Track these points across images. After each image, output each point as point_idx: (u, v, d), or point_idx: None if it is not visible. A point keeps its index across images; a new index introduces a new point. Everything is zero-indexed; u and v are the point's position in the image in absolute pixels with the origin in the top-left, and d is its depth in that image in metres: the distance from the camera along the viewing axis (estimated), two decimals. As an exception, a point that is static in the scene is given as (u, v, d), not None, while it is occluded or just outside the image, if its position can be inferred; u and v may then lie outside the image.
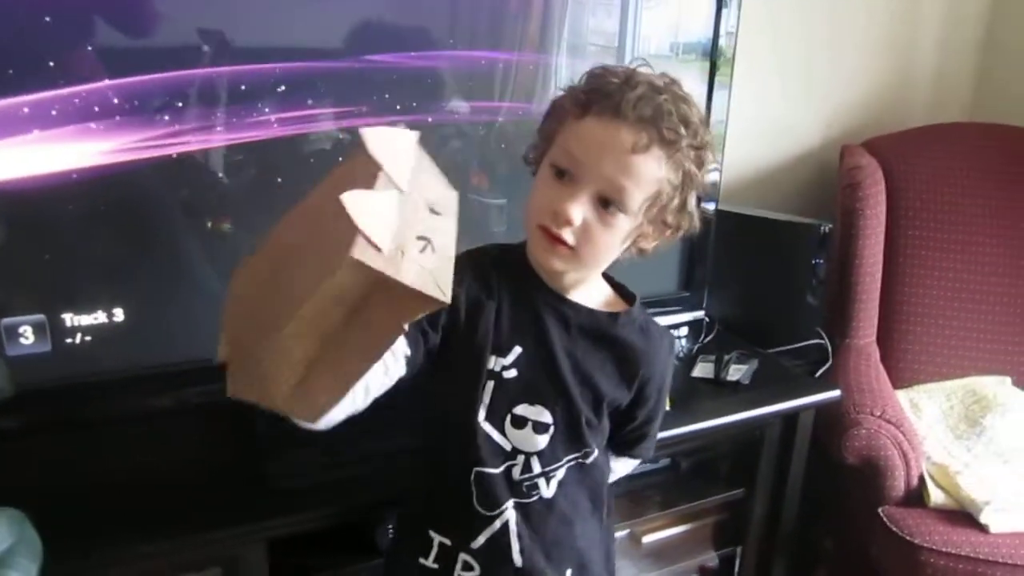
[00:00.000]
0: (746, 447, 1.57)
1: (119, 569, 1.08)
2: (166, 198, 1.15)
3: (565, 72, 1.36)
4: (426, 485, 0.99)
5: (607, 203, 0.86)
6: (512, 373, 0.91)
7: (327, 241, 0.65)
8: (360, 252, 0.61)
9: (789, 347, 1.74)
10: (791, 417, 1.52)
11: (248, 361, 0.70)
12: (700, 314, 1.61)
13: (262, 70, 1.13)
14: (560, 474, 0.95)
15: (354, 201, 0.63)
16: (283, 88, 1.15)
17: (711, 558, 1.65)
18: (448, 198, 0.74)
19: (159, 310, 1.17)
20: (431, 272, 0.65)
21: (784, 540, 1.62)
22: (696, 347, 1.66)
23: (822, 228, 1.72)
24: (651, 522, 1.58)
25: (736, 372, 1.53)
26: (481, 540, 0.94)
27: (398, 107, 1.23)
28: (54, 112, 1.03)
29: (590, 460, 0.97)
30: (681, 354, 1.63)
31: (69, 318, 1.11)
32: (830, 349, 1.77)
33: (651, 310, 1.52)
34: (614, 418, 0.99)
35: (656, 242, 0.93)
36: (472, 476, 0.92)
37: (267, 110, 1.14)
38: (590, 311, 0.96)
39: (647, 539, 1.60)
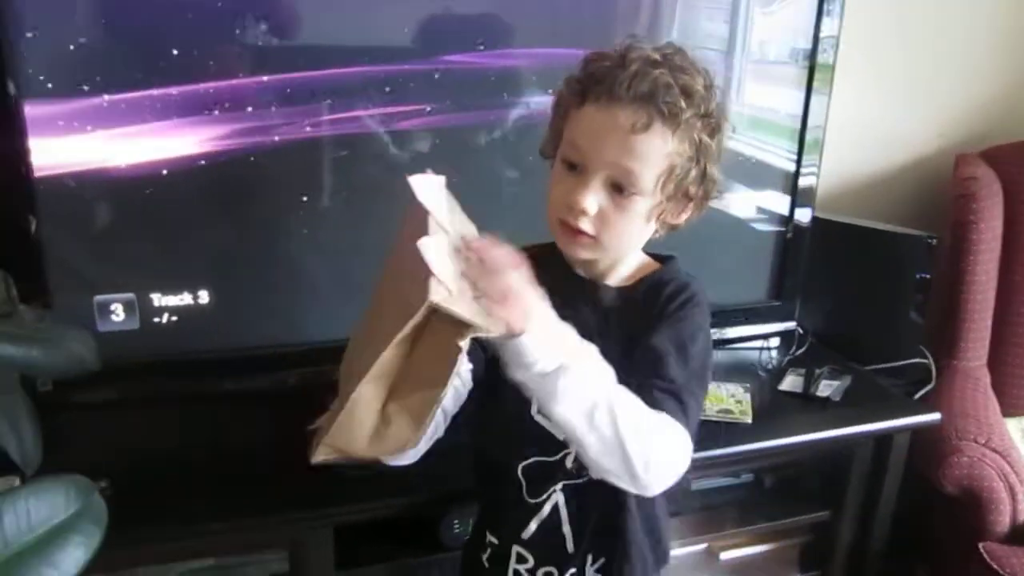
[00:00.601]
0: (835, 468, 1.49)
1: (189, 543, 1.11)
2: (257, 188, 1.18)
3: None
4: (480, 483, 0.98)
5: (620, 187, 0.83)
6: None
7: (402, 289, 0.75)
8: (435, 294, 0.69)
9: (888, 365, 1.65)
10: (884, 439, 1.43)
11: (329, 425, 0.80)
12: (791, 325, 1.54)
13: (367, 71, 1.16)
14: None
15: (426, 247, 0.72)
16: (388, 89, 1.17)
17: (793, 581, 1.58)
18: (473, 232, 0.81)
19: (243, 295, 1.21)
20: (480, 302, 0.73)
21: (871, 568, 1.53)
22: (786, 359, 1.59)
23: (929, 240, 1.62)
24: (730, 538, 1.52)
25: (827, 388, 1.46)
26: (532, 527, 0.93)
27: (503, 105, 1.25)
28: (162, 105, 1.09)
29: None
30: (770, 366, 1.57)
31: (157, 298, 1.15)
32: (934, 370, 1.66)
33: (739, 320, 1.51)
34: None
35: (685, 214, 0.90)
36: (521, 468, 0.92)
37: (362, 107, 1.17)
38: (621, 288, 0.93)
39: (725, 556, 1.54)
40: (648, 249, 0.95)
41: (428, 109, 1.20)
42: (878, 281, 1.66)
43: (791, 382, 1.50)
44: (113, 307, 1.14)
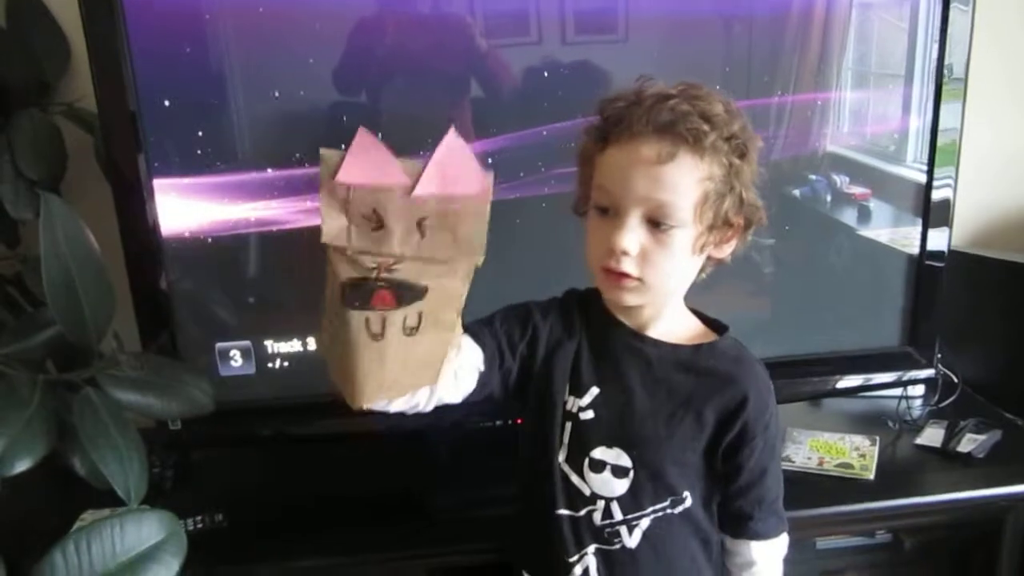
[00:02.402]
0: (984, 534, 1.33)
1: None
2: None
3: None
4: (519, 526, 0.98)
5: (658, 223, 0.81)
6: (589, 415, 0.89)
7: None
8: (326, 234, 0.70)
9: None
10: (1040, 503, 1.27)
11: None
12: (929, 373, 1.40)
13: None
14: (644, 524, 0.90)
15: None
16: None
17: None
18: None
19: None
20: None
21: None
22: (927, 410, 1.45)
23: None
24: (865, 604, 1.41)
25: (970, 442, 1.32)
26: None
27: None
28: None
29: (680, 510, 0.90)
30: (907, 418, 1.44)
31: (271, 345, 1.25)
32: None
33: (867, 367, 1.39)
34: (718, 469, 0.91)
35: (729, 246, 0.87)
36: (554, 520, 0.90)
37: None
38: (673, 346, 0.91)
39: (859, 623, 1.42)
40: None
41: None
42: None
43: (930, 435, 1.37)
44: (232, 353, 1.25)
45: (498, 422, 1.28)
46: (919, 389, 1.51)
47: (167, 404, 1.07)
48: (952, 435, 1.34)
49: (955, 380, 1.50)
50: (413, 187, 0.67)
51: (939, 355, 1.41)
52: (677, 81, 0.84)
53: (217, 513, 1.21)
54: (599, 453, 0.89)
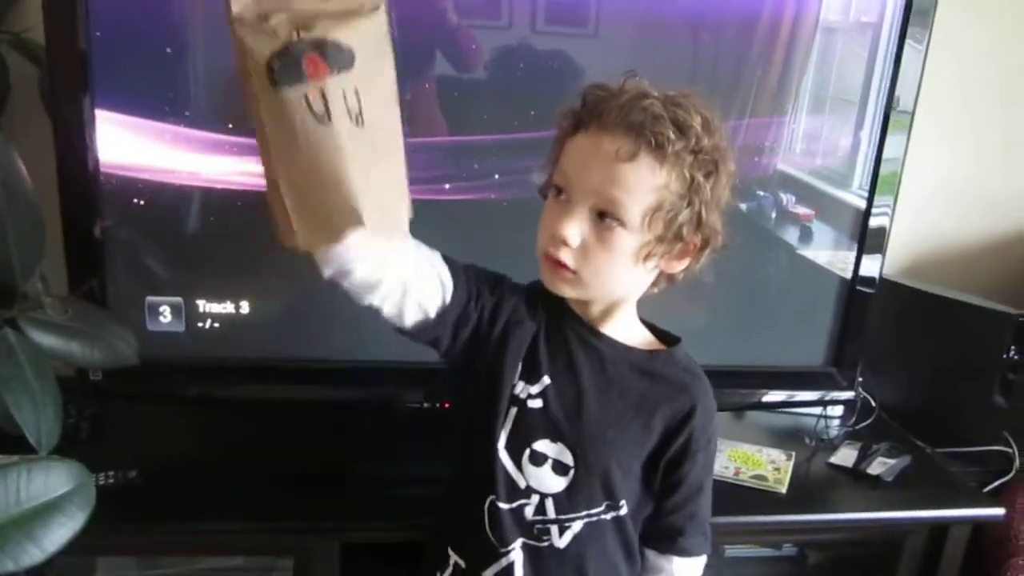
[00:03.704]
0: (885, 554, 1.38)
1: (202, 539, 1.17)
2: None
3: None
4: (449, 503, 0.97)
5: (603, 216, 0.81)
6: (537, 403, 0.88)
7: None
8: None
9: (965, 449, 1.52)
10: (938, 529, 1.32)
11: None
12: (849, 395, 1.45)
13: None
14: (576, 526, 0.89)
15: None
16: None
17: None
18: None
19: (284, 309, 1.26)
20: None
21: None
22: (843, 431, 1.50)
23: (1020, 318, 1.48)
24: (765, 614, 1.45)
25: (880, 465, 1.36)
26: (489, 573, 0.90)
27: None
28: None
29: (613, 516, 0.90)
30: (824, 436, 1.48)
31: (203, 304, 1.23)
32: (1017, 460, 1.52)
33: (789, 384, 1.43)
34: (655, 481, 0.92)
35: (680, 263, 0.87)
36: (487, 504, 0.89)
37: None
38: (627, 347, 0.91)
39: (757, 632, 1.46)
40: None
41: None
42: (960, 358, 1.54)
43: (843, 455, 1.41)
44: (162, 308, 1.22)
45: (425, 404, 1.28)
46: (838, 409, 1.56)
47: (89, 353, 1.03)
48: (864, 457, 1.39)
49: (872, 404, 1.55)
50: None
51: (860, 379, 1.46)
52: (669, 87, 0.83)
53: (131, 470, 1.18)
54: (541, 445, 0.88)
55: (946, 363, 1.55)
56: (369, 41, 0.72)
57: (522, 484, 0.88)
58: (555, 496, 0.89)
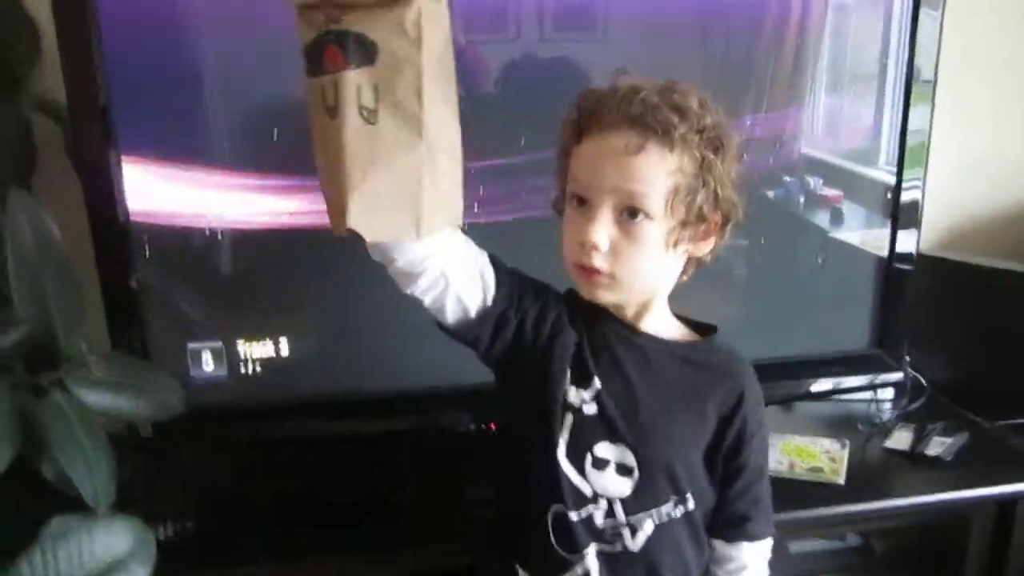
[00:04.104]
0: (953, 536, 1.35)
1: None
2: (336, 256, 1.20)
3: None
4: (509, 519, 0.96)
5: (632, 213, 0.82)
6: (592, 408, 0.87)
7: None
8: None
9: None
10: (1006, 505, 1.29)
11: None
12: (898, 376, 1.42)
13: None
14: (648, 527, 0.89)
15: None
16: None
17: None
18: None
19: (323, 345, 1.27)
20: None
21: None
22: (895, 413, 1.47)
23: (1064, 281, 1.45)
24: (836, 606, 1.42)
25: (938, 445, 1.34)
26: None
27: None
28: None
29: (682, 512, 0.90)
30: (876, 421, 1.45)
31: (243, 346, 1.24)
32: (1078, 425, 1.48)
33: (835, 371, 1.41)
34: (717, 471, 0.92)
35: (707, 243, 0.88)
36: (551, 515, 0.88)
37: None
38: (668, 341, 0.92)
39: (830, 625, 1.44)
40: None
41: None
42: (1007, 326, 1.50)
43: (898, 439, 1.38)
44: (204, 355, 1.23)
45: (471, 427, 1.28)
46: (888, 393, 1.53)
47: (136, 405, 1.05)
48: (920, 438, 1.36)
49: (923, 383, 1.52)
50: None
51: (907, 358, 1.43)
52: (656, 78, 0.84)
53: (188, 521, 1.19)
54: (602, 449, 0.88)
55: (993, 333, 1.52)
56: (398, 33, 0.71)
57: (588, 492, 0.88)
58: (623, 500, 0.88)
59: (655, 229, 0.83)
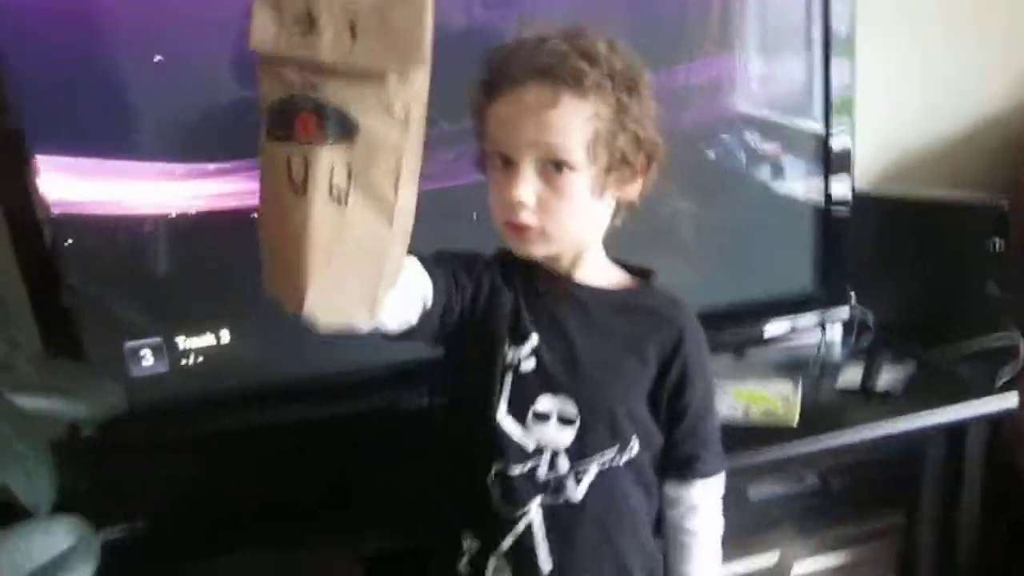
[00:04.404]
0: (908, 467, 1.38)
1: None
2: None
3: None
4: (453, 485, 0.96)
5: (554, 167, 0.81)
6: (530, 364, 0.88)
7: None
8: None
9: (971, 347, 1.51)
10: (957, 431, 1.32)
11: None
12: (844, 314, 1.44)
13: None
14: (591, 473, 0.89)
15: None
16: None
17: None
18: None
19: (267, 331, 1.24)
20: None
21: (964, 572, 1.40)
22: (845, 352, 1.49)
23: (999, 205, 1.47)
24: (800, 548, 1.43)
25: (887, 379, 1.35)
26: (507, 543, 0.90)
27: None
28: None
29: (626, 458, 0.90)
30: (826, 361, 1.47)
31: (183, 340, 1.21)
32: (1022, 346, 1.51)
33: (783, 312, 1.42)
34: (661, 413, 0.92)
35: (633, 186, 0.88)
36: (495, 476, 0.89)
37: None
38: (604, 290, 0.92)
39: (798, 568, 1.45)
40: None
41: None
42: (947, 256, 1.52)
43: (849, 376, 1.40)
44: (142, 352, 1.20)
45: (425, 402, 1.26)
46: (837, 334, 1.55)
47: (73, 408, 1.01)
48: (869, 374, 1.37)
49: (869, 320, 1.53)
50: None
51: (853, 295, 1.45)
52: (559, 25, 0.83)
53: (136, 520, 1.16)
54: (543, 403, 0.88)
55: (934, 265, 1.53)
56: (383, 113, 0.64)
57: (531, 446, 0.88)
58: (566, 449, 0.88)
59: (580, 179, 0.82)
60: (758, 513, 1.44)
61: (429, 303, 0.83)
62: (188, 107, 1.15)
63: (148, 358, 1.20)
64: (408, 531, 1.15)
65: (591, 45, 0.81)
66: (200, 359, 1.21)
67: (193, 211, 1.16)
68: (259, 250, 0.71)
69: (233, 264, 1.18)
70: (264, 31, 0.63)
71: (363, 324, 0.73)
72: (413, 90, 0.64)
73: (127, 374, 1.19)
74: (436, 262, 0.85)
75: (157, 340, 1.20)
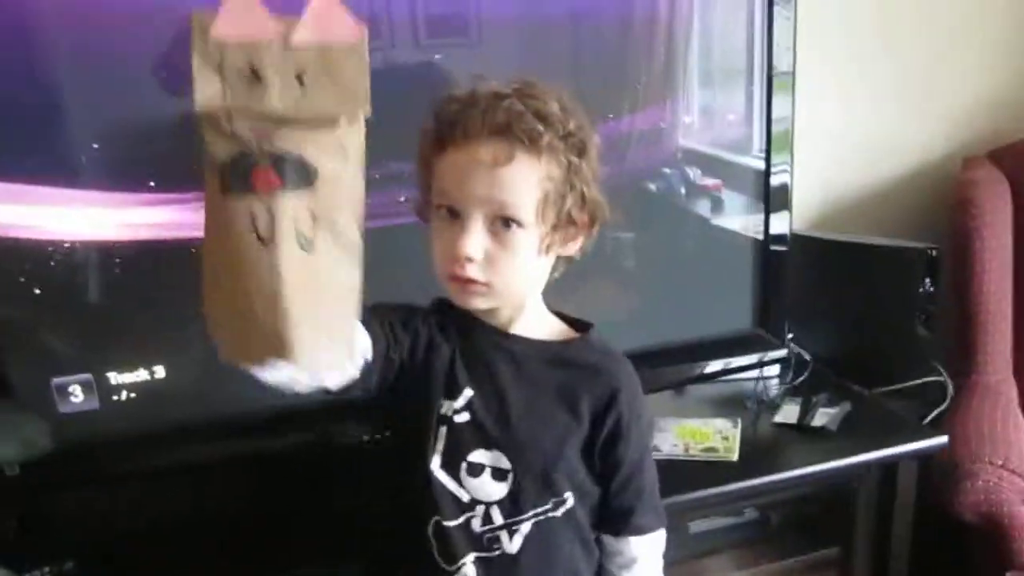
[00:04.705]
0: (842, 501, 1.41)
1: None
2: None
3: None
4: (390, 536, 0.94)
5: (504, 222, 0.81)
6: (464, 417, 0.87)
7: None
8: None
9: (901, 386, 1.56)
10: (889, 468, 1.35)
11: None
12: (782, 352, 1.47)
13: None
14: (525, 528, 0.88)
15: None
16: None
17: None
18: None
19: (202, 365, 1.20)
20: None
21: (894, 607, 1.43)
22: (782, 389, 1.51)
23: (929, 252, 1.53)
24: (740, 581, 1.46)
25: (823, 416, 1.38)
26: None
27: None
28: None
29: (562, 511, 0.89)
30: (765, 398, 1.50)
31: (114, 376, 1.17)
32: (949, 387, 1.57)
33: (722, 352, 1.45)
34: (596, 467, 0.91)
35: (575, 243, 0.88)
36: (431, 528, 0.87)
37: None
38: (541, 343, 0.91)
39: (735, 600, 1.47)
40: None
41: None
42: (880, 298, 1.58)
43: (786, 413, 1.42)
44: (71, 388, 1.16)
45: (365, 438, 1.25)
46: (774, 370, 1.57)
47: (-1, 449, 0.99)
48: (806, 411, 1.40)
49: (806, 358, 1.57)
50: (290, 37, 0.64)
51: (790, 335, 1.48)
52: (511, 79, 0.83)
53: (66, 561, 1.12)
54: (476, 456, 0.87)
55: (867, 306, 1.58)
56: (339, 156, 0.66)
57: (465, 498, 0.87)
58: (499, 503, 0.88)
59: (527, 236, 0.82)
60: (698, 545, 1.45)
61: (369, 356, 0.81)
62: (121, 132, 1.11)
63: (78, 394, 1.15)
64: (342, 569, 1.13)
65: (544, 105, 0.81)
66: (133, 395, 1.17)
67: (126, 240, 1.12)
68: (207, 306, 0.69)
69: (168, 297, 1.16)
70: (209, 88, 0.63)
71: (338, 366, 0.73)
72: (360, 132, 0.66)
73: (55, 411, 1.14)
74: (373, 316, 0.83)
75: (87, 376, 1.16)
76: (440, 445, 0.87)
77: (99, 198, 1.11)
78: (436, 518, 0.87)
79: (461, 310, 0.88)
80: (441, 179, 0.83)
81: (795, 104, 1.39)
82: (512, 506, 0.88)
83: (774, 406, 1.45)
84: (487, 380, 0.88)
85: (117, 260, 1.13)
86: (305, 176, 0.64)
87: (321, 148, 0.65)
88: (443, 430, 0.87)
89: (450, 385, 0.87)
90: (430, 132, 0.83)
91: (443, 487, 0.87)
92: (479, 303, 0.85)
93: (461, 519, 0.87)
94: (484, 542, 0.88)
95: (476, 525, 0.87)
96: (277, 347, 0.66)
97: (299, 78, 0.64)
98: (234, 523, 1.20)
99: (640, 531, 0.95)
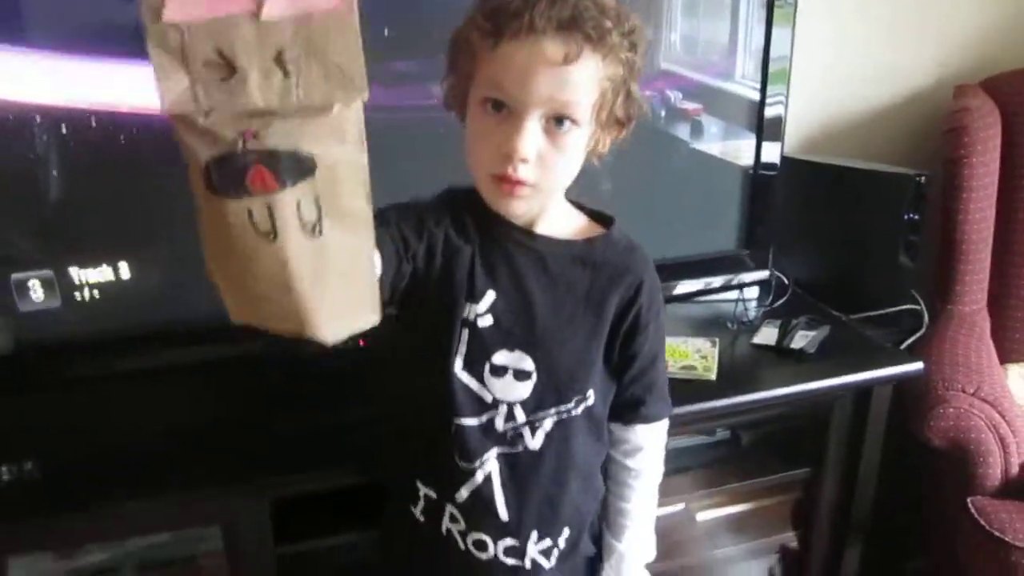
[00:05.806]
0: (815, 424, 1.41)
1: (118, 523, 1.09)
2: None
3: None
4: (406, 436, 0.94)
5: (559, 121, 0.77)
6: (487, 320, 0.85)
7: None
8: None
9: (878, 312, 1.56)
10: (863, 392, 1.35)
11: None
12: (764, 274, 1.46)
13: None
14: (547, 424, 0.88)
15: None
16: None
17: (776, 540, 1.51)
18: None
19: (170, 265, 1.16)
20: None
21: (857, 527, 1.45)
22: (763, 311, 1.51)
23: (917, 179, 1.51)
24: (707, 498, 1.47)
25: (802, 339, 1.38)
26: (464, 494, 0.89)
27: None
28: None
29: (583, 409, 0.89)
30: (744, 319, 1.49)
31: (77, 273, 1.12)
32: (925, 316, 1.57)
33: (706, 271, 1.43)
34: (614, 361, 0.91)
35: (610, 140, 0.85)
36: (452, 428, 0.86)
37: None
38: (566, 242, 0.88)
39: (702, 516, 1.48)
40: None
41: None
42: (864, 225, 1.56)
43: (765, 335, 1.42)
44: (31, 284, 1.10)
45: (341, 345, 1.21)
46: (754, 292, 1.56)
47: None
48: (785, 333, 1.40)
49: (786, 282, 1.56)
50: (260, 10, 0.54)
51: (772, 258, 1.47)
52: None
53: (25, 461, 1.09)
54: (500, 358, 0.86)
55: (851, 232, 1.57)
56: (336, 140, 0.59)
57: (488, 398, 0.86)
58: (523, 402, 0.87)
59: (580, 135, 0.80)
60: (669, 463, 1.46)
61: (378, 271, 0.77)
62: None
63: (38, 291, 1.11)
64: (315, 476, 1.11)
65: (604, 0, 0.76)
66: (96, 293, 1.13)
67: (91, 114, 1.04)
68: (212, 275, 0.63)
69: (137, 184, 1.10)
70: (175, 87, 0.54)
71: (361, 325, 0.68)
72: (359, 108, 0.58)
73: (14, 309, 1.09)
74: (380, 225, 0.77)
75: (48, 272, 1.11)
76: (463, 348, 0.85)
77: (61, 61, 1.02)
78: (459, 417, 0.86)
79: (479, 206, 0.85)
80: (495, 72, 0.77)
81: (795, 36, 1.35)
82: (535, 404, 0.88)
83: (753, 328, 1.45)
84: (511, 281, 0.86)
85: (83, 140, 1.05)
86: (303, 168, 0.58)
87: (316, 137, 0.58)
88: (465, 333, 0.85)
89: (471, 288, 0.85)
90: (480, 20, 0.77)
91: (466, 388, 0.86)
92: (520, 206, 0.82)
93: (484, 418, 0.87)
94: (507, 439, 0.88)
95: (499, 423, 0.87)
96: (296, 325, 0.63)
97: (279, 60, 0.55)
98: (203, 431, 1.17)
99: (647, 420, 0.96)
